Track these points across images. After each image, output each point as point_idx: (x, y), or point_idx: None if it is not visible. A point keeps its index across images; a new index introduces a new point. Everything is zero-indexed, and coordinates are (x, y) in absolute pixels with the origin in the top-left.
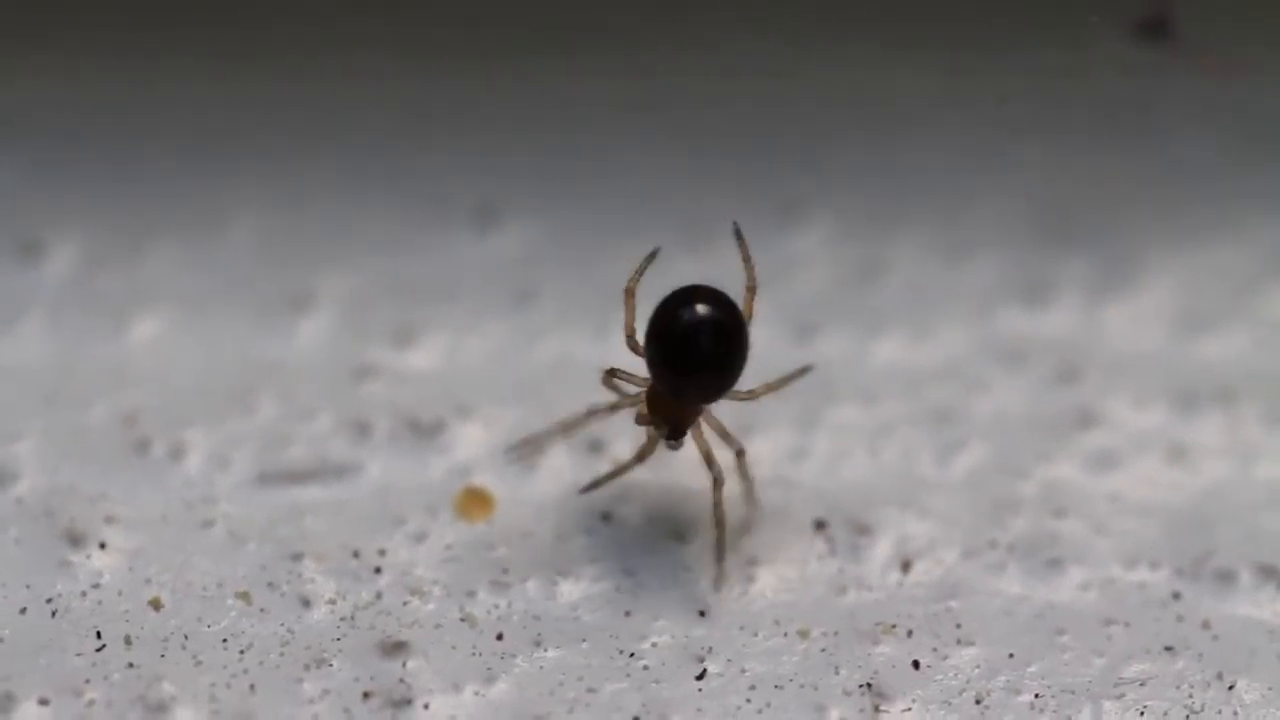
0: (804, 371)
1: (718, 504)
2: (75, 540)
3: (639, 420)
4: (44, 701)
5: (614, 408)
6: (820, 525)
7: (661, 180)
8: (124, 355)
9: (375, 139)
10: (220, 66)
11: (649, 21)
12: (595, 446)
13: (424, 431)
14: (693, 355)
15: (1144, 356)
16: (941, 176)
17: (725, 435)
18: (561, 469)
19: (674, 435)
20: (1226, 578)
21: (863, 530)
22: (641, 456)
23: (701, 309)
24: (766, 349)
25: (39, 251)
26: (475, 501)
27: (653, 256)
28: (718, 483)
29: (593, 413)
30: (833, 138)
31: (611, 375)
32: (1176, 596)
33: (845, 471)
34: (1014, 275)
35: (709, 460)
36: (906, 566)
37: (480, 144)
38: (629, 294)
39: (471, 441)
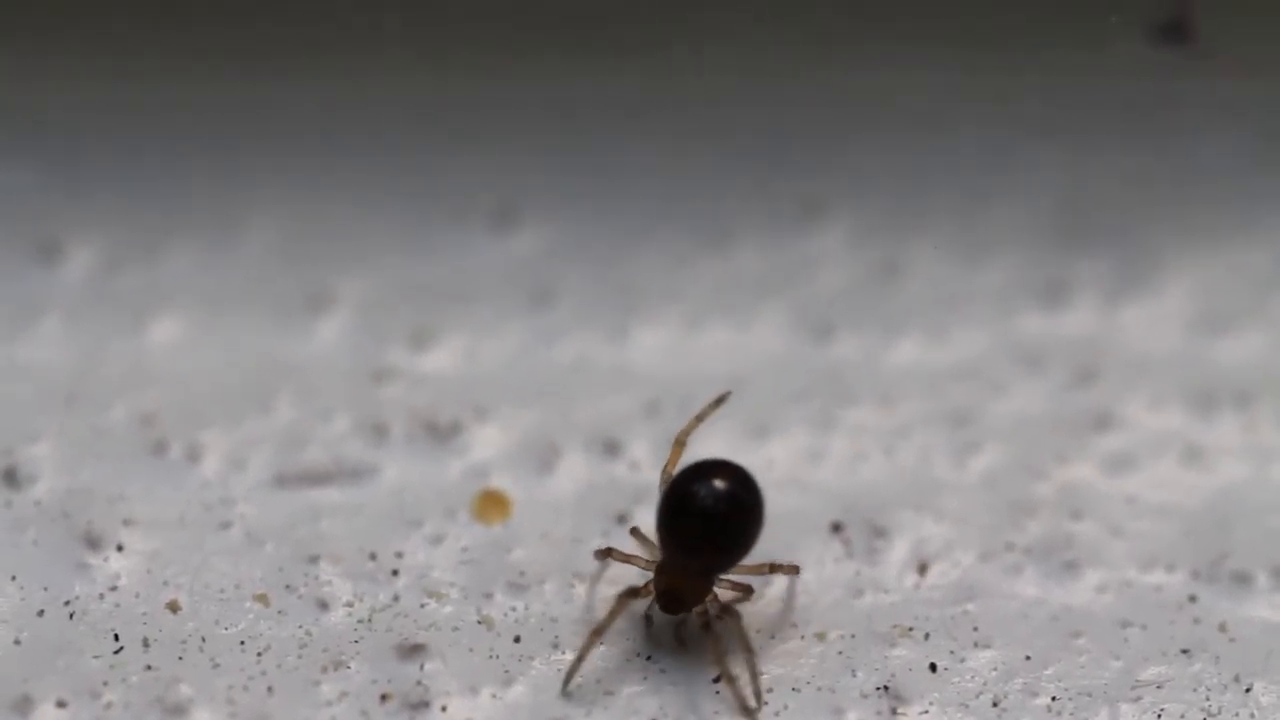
0: (721, 400)
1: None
2: (93, 542)
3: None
4: (61, 704)
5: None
6: (837, 527)
7: (680, 181)
8: (142, 356)
9: (393, 140)
10: (239, 67)
11: (668, 22)
12: (611, 447)
13: (441, 433)
14: (711, 526)
15: (1161, 358)
16: (960, 177)
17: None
18: (578, 471)
19: (683, 607)
20: (1243, 580)
21: (879, 532)
22: (600, 630)
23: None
24: (785, 350)
25: (58, 253)
26: (492, 504)
27: (720, 402)
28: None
29: (620, 601)
30: (851, 138)
31: (607, 554)
32: (1193, 599)
33: (862, 473)
34: (1032, 276)
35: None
36: (923, 569)
37: (498, 145)
38: (679, 444)
39: (489, 443)
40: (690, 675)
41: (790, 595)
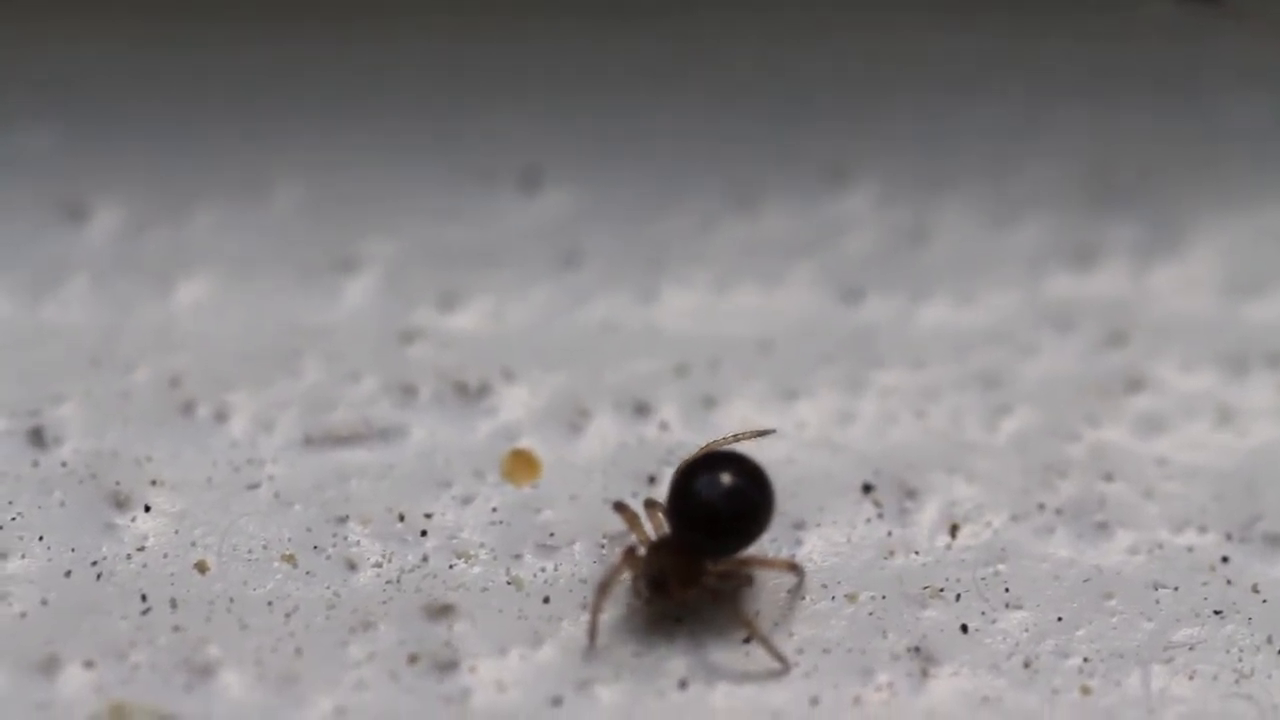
0: (763, 434)
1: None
2: (120, 503)
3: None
4: (89, 664)
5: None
6: (868, 489)
7: (707, 144)
8: (169, 318)
9: (421, 103)
10: (265, 29)
11: None
12: (640, 409)
13: (470, 394)
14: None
15: (1192, 320)
16: (989, 140)
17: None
18: (607, 432)
19: (664, 591)
20: (1276, 541)
21: (910, 494)
22: (606, 585)
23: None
24: (814, 312)
25: (84, 214)
26: (521, 465)
27: (761, 434)
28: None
29: (624, 558)
30: (880, 101)
31: (621, 509)
32: (1225, 560)
33: (893, 435)
34: (1062, 238)
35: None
36: (954, 530)
37: (526, 108)
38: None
39: (518, 404)
40: (719, 636)
41: (821, 557)
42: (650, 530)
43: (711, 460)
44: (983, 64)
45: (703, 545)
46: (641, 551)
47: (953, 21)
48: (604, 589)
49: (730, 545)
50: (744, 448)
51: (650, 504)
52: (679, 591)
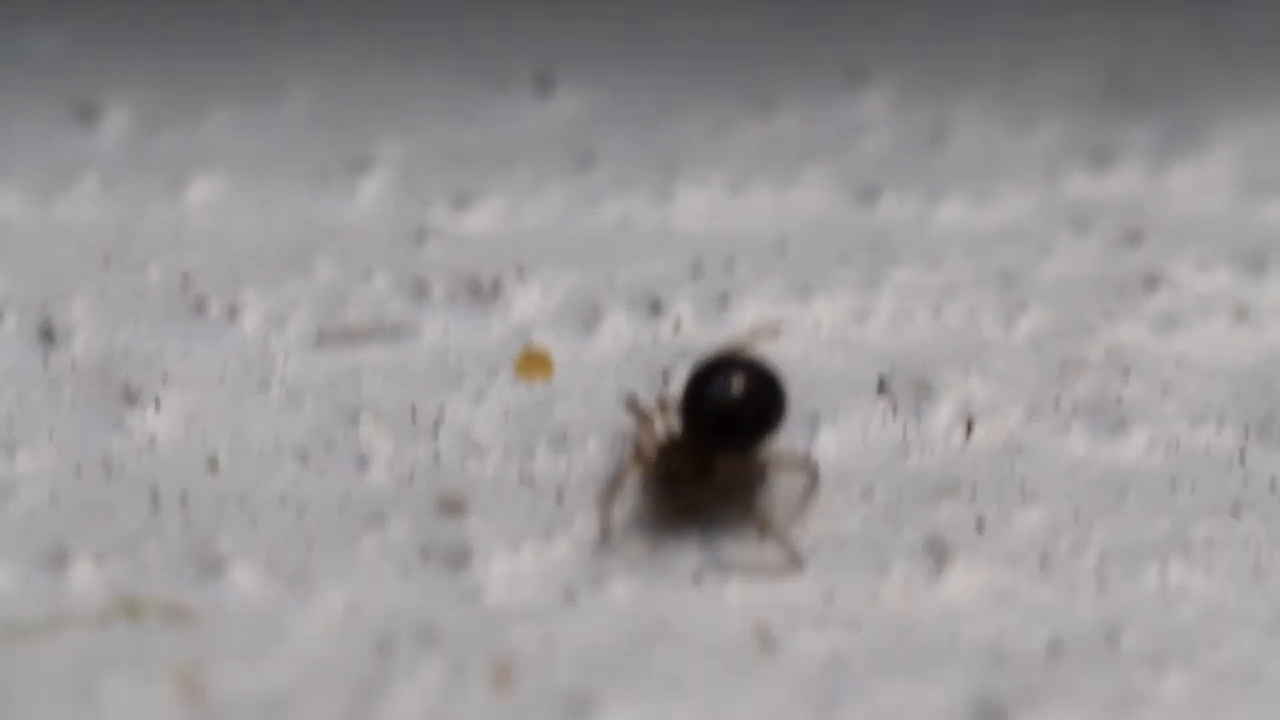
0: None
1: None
2: (131, 400)
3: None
4: (99, 560)
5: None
6: (883, 386)
7: (723, 44)
8: (180, 217)
9: (435, 2)
10: None
11: None
12: (654, 307)
13: (483, 293)
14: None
15: (1209, 219)
16: (1007, 40)
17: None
18: (621, 329)
19: (678, 487)
20: None
21: (926, 391)
22: (617, 484)
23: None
24: (831, 213)
25: (94, 114)
26: (534, 362)
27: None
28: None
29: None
30: (897, 0)
31: (633, 406)
32: (1242, 456)
33: (908, 333)
34: (1079, 138)
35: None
36: (970, 427)
37: (540, 8)
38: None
39: (531, 303)
40: (733, 532)
41: (836, 454)
42: (661, 428)
43: (724, 360)
44: None
45: (713, 444)
46: (651, 449)
47: None
48: (614, 486)
49: (741, 444)
50: (758, 347)
51: (662, 402)
52: (690, 489)
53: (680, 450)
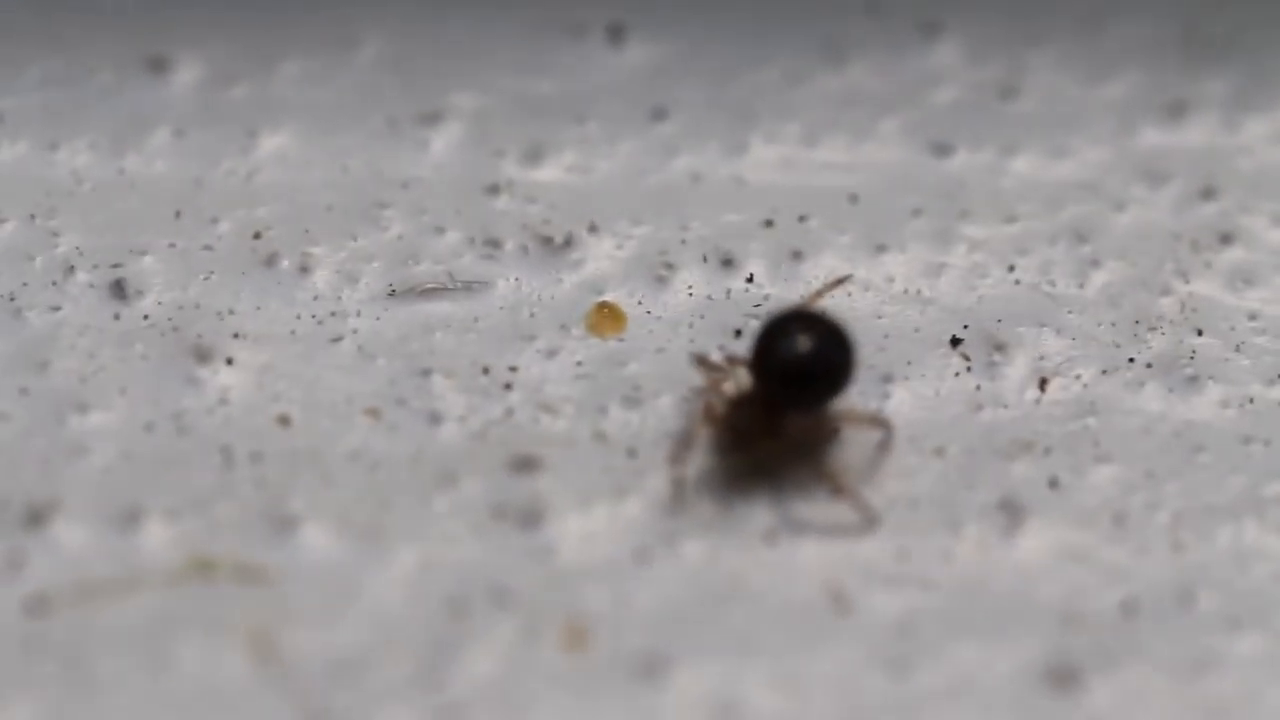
0: (842, 281)
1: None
2: (202, 356)
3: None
4: (171, 518)
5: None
6: (956, 343)
7: None
8: (252, 170)
9: None
10: None
11: None
12: (727, 262)
13: (555, 247)
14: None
15: None
16: None
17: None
18: (695, 283)
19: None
20: None
21: (999, 348)
22: (687, 442)
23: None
24: (904, 166)
25: (166, 67)
26: (607, 318)
27: (840, 283)
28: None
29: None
30: None
31: (701, 362)
32: None
33: (982, 288)
34: (1153, 91)
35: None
36: (1044, 384)
37: None
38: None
39: (603, 257)
40: (805, 491)
41: (909, 411)
42: (732, 385)
43: (793, 316)
44: None
45: (783, 401)
46: (721, 407)
47: None
48: (684, 444)
49: (810, 401)
50: (830, 303)
51: (731, 358)
52: (762, 446)
53: (751, 407)
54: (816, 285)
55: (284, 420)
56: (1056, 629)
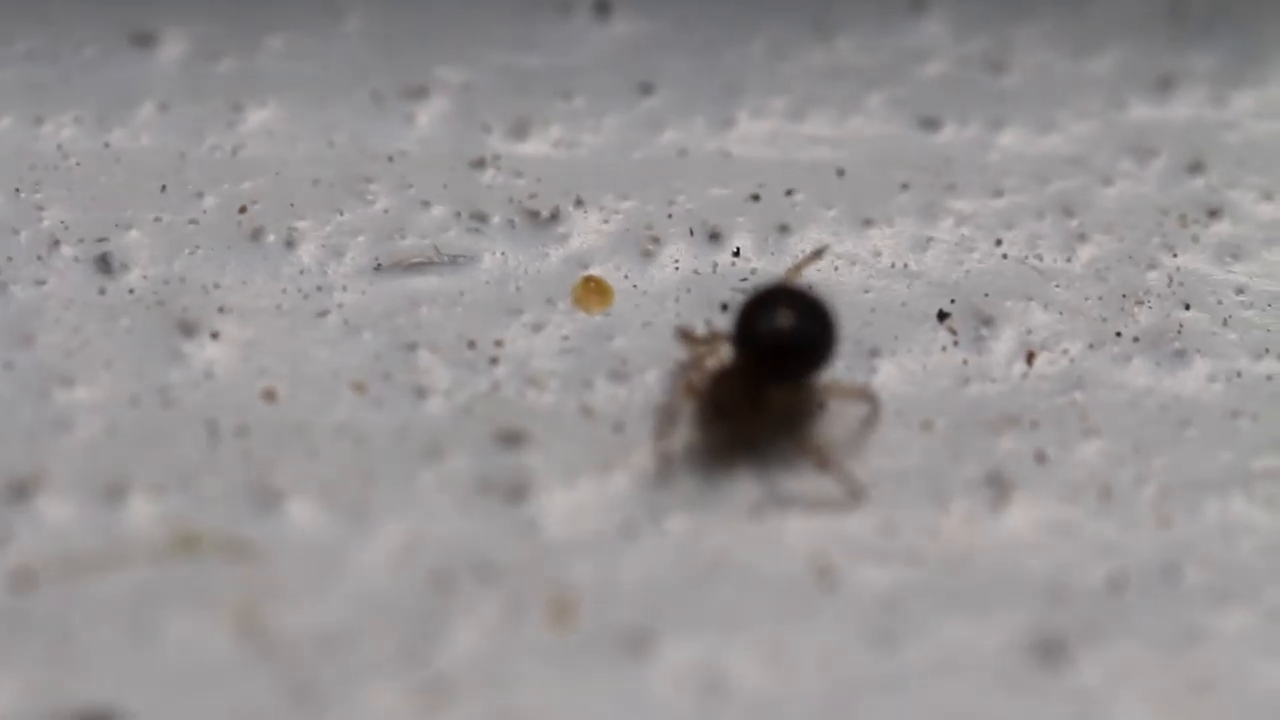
0: (819, 254)
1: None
2: (188, 330)
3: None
4: (156, 492)
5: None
6: (943, 316)
7: None
8: (237, 145)
9: None
10: None
11: None
12: (714, 236)
13: (541, 221)
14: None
15: (1272, 147)
16: None
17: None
18: (681, 258)
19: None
20: None
21: (986, 322)
22: (670, 414)
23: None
24: (891, 139)
25: (152, 41)
26: (593, 292)
27: (817, 255)
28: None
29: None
30: None
31: (684, 336)
32: None
33: (969, 262)
34: (1141, 65)
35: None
36: (1031, 358)
37: None
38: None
39: (589, 231)
40: (789, 465)
41: (895, 385)
42: (715, 359)
43: (774, 290)
44: None
45: (764, 375)
46: (704, 381)
47: None
48: (668, 419)
49: (791, 375)
50: (817, 277)
51: (714, 332)
52: (745, 420)
53: (734, 381)
54: (796, 258)
55: (269, 394)
56: (1043, 603)
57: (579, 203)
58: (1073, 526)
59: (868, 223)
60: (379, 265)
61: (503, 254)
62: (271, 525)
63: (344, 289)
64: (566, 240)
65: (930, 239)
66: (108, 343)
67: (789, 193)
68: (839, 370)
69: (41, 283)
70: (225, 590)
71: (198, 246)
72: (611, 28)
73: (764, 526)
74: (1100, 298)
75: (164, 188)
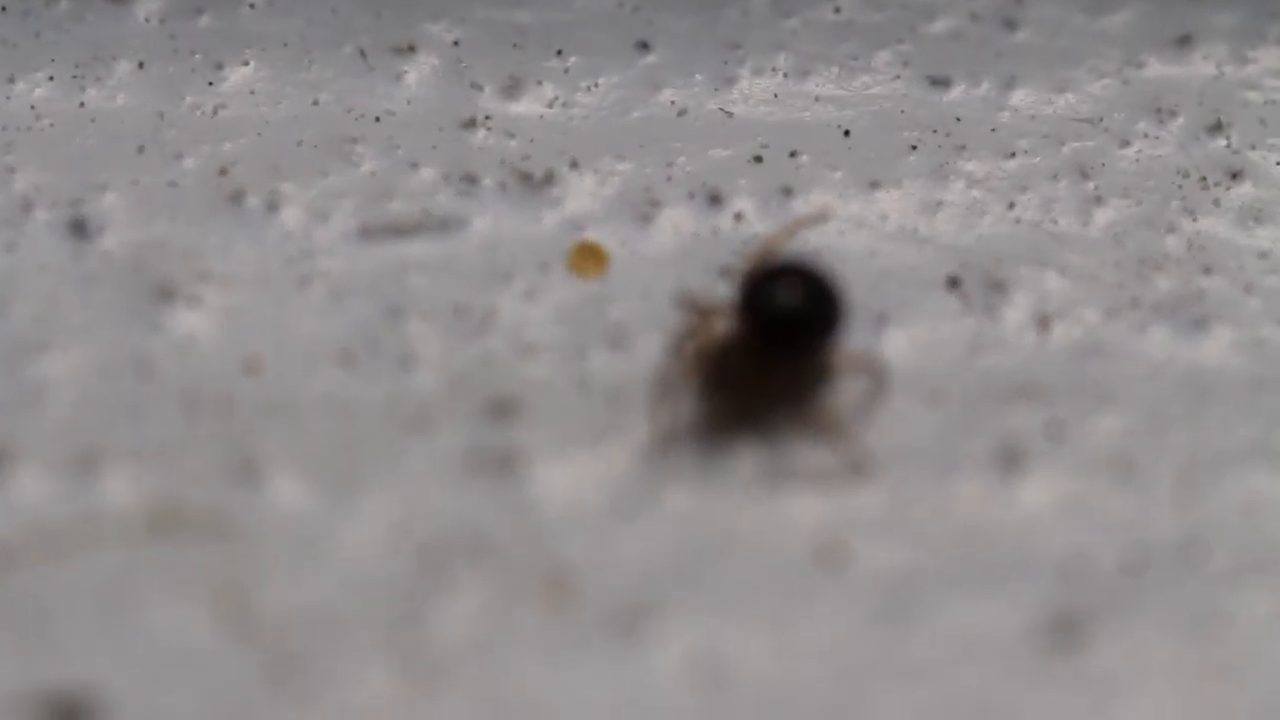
0: (820, 218)
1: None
2: (166, 298)
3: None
4: (133, 466)
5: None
6: (954, 282)
7: None
8: (218, 104)
9: None
10: None
11: None
12: (714, 199)
13: (534, 184)
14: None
15: None
16: None
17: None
18: (680, 222)
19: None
20: None
21: (999, 288)
22: (671, 384)
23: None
24: (899, 98)
25: None
26: (588, 257)
27: (817, 220)
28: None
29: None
30: None
31: (689, 302)
32: None
33: (980, 226)
34: (1158, 22)
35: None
36: (1045, 326)
37: None
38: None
39: (584, 194)
40: (797, 434)
41: (904, 354)
42: (718, 327)
43: (778, 265)
44: None
45: (770, 348)
46: (707, 350)
47: None
48: (667, 389)
49: (796, 350)
50: (822, 241)
51: (715, 301)
52: (750, 391)
53: (737, 352)
54: (794, 219)
55: (251, 365)
56: (1058, 584)
57: (574, 165)
58: (1089, 502)
59: (875, 185)
60: (366, 230)
61: (494, 218)
62: (254, 501)
63: (329, 255)
64: (561, 204)
65: (940, 202)
66: (82, 311)
67: (792, 154)
68: (846, 338)
69: (13, 248)
70: (206, 569)
71: (177, 210)
72: None
73: (767, 503)
74: (1117, 264)
75: (141, 149)
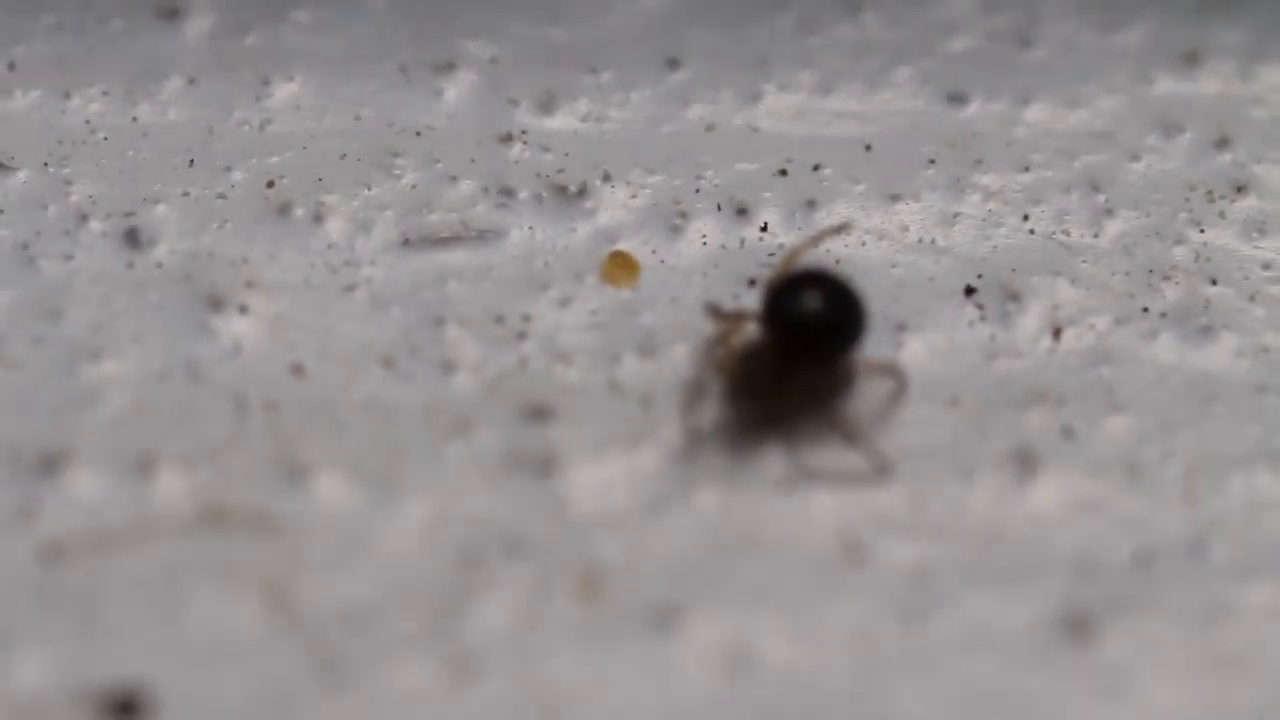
0: (841, 229)
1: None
2: (216, 305)
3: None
4: (184, 467)
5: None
6: (970, 292)
7: None
8: (265, 119)
9: None
10: None
11: None
12: (741, 211)
13: (569, 196)
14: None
15: None
16: None
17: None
18: (709, 233)
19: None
20: None
21: (1013, 297)
22: (698, 389)
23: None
24: (918, 114)
25: (179, 15)
26: (621, 267)
27: (839, 231)
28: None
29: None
30: None
31: (715, 312)
32: None
33: (996, 238)
34: (1168, 39)
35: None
36: (1057, 334)
37: None
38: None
39: (617, 206)
40: (818, 440)
41: (922, 361)
42: (743, 336)
43: (802, 275)
44: None
45: (794, 356)
46: (733, 357)
47: None
48: (695, 394)
49: (820, 358)
50: (844, 252)
51: (742, 309)
52: (774, 396)
53: (762, 358)
54: (816, 231)
55: (297, 369)
56: (1070, 579)
57: (606, 177)
58: (1100, 502)
59: (895, 198)
60: (407, 240)
61: (530, 229)
62: (299, 500)
63: (372, 264)
64: (594, 215)
65: (957, 214)
66: (136, 318)
67: (816, 168)
68: (866, 346)
69: (69, 257)
70: (253, 565)
71: (225, 221)
72: (639, 1)
73: (792, 502)
74: (1127, 273)
75: (191, 162)
